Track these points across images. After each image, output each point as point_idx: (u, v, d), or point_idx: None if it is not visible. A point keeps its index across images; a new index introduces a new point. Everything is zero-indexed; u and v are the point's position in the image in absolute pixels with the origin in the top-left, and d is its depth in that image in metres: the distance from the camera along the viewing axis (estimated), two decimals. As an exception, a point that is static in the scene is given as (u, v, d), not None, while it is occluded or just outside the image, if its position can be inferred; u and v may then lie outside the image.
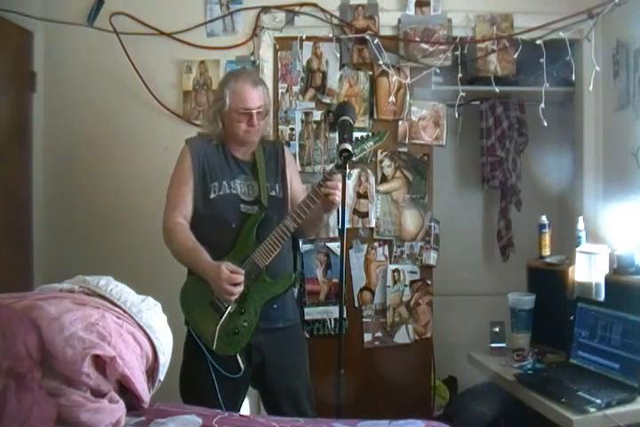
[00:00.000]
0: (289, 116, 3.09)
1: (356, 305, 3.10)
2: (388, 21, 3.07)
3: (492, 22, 3.06)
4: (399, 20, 3.07)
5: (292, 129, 3.08)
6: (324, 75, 3.08)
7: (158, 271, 2.77)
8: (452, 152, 3.71)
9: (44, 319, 1.52)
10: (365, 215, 3.11)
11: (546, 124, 2.92)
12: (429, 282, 3.15)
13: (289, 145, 3.02)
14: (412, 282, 3.13)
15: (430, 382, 3.19)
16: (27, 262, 3.01)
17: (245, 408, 2.49)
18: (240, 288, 2.18)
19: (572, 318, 2.58)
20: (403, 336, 3.11)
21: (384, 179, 3.12)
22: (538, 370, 2.61)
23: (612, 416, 2.10)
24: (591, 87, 2.95)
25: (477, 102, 3.66)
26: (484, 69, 3.09)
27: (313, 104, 3.10)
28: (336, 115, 2.27)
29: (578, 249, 2.73)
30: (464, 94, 3.05)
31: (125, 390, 1.63)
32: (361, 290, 3.10)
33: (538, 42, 2.94)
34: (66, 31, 3.00)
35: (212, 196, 2.31)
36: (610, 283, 2.57)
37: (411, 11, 3.07)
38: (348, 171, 2.05)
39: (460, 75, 3.02)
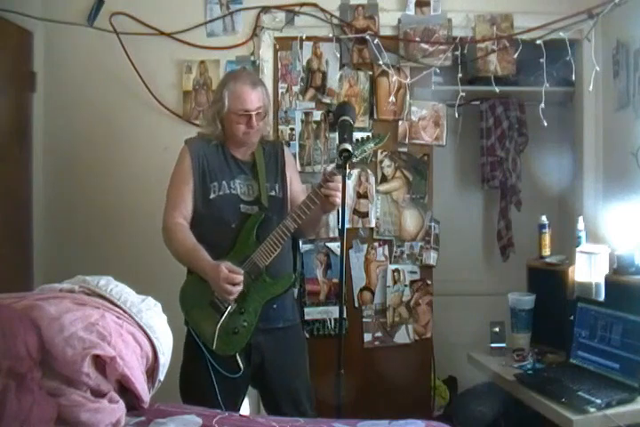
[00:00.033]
0: (289, 116, 3.08)
1: (356, 305, 3.09)
2: (387, 21, 3.07)
3: (492, 22, 3.06)
4: (399, 20, 3.07)
5: (292, 129, 3.08)
6: (324, 75, 3.08)
7: (158, 271, 2.77)
8: (451, 152, 3.71)
9: (44, 319, 1.52)
10: (365, 215, 3.11)
11: (546, 124, 2.92)
12: (429, 282, 3.15)
13: (289, 145, 3.02)
14: (412, 282, 3.13)
15: (430, 382, 3.19)
16: (27, 262, 3.01)
17: (245, 408, 2.49)
18: (239, 288, 2.18)
19: (571, 318, 2.58)
20: (403, 336, 3.11)
21: (384, 179, 3.12)
22: (538, 370, 2.61)
23: (612, 416, 2.10)
24: (591, 87, 2.94)
25: (477, 102, 3.66)
26: (483, 69, 3.09)
27: (313, 104, 3.09)
28: (336, 115, 2.27)
29: (578, 249, 2.73)
30: (464, 94, 3.05)
31: (125, 390, 1.63)
32: (361, 290, 3.10)
33: (538, 42, 2.94)
34: (66, 31, 3.00)
35: (212, 196, 2.31)
36: (610, 283, 2.57)
37: (411, 11, 3.07)
38: (348, 171, 2.05)
39: (459, 75, 3.02)
